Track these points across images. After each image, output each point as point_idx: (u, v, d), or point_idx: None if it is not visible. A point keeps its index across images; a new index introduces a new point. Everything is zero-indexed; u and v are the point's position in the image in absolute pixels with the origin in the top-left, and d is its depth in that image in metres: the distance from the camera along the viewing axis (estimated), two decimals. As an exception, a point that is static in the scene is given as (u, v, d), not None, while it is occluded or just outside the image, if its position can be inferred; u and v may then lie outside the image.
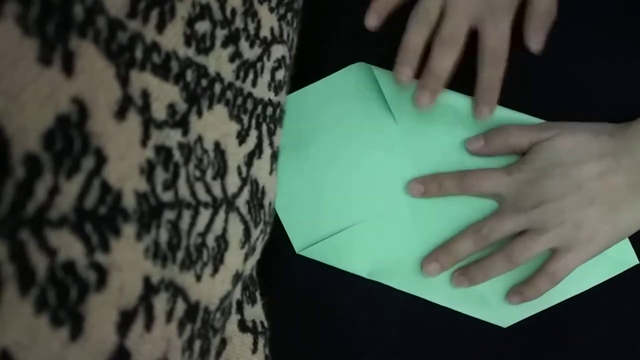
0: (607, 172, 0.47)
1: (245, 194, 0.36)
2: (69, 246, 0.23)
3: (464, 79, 0.50)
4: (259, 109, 0.38)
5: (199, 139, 0.32)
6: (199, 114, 0.32)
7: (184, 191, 0.30)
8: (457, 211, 0.53)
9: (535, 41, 0.48)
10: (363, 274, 0.53)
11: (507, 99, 0.50)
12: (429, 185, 0.52)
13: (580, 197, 0.47)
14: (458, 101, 0.52)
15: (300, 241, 0.53)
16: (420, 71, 0.49)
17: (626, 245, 0.51)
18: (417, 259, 0.53)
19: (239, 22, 0.35)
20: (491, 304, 0.52)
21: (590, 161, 0.47)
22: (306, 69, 0.50)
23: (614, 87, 0.54)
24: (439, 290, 0.52)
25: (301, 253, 0.53)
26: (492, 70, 0.49)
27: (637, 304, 0.52)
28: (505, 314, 0.52)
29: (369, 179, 0.54)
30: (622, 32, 0.54)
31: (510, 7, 0.48)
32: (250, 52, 0.36)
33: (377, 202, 0.54)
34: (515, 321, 0.52)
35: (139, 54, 0.27)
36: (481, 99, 0.50)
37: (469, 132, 0.53)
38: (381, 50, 0.52)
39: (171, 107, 0.29)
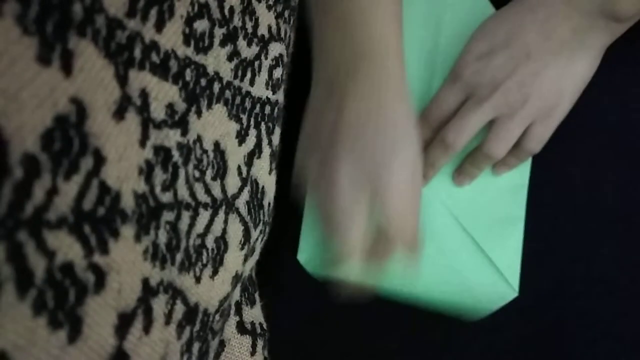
0: (548, 30, 0.46)
1: (245, 194, 0.36)
2: (67, 247, 0.23)
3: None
4: (258, 107, 0.38)
5: (199, 139, 0.32)
6: (198, 113, 0.32)
7: (183, 192, 0.30)
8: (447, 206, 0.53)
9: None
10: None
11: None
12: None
13: (532, 64, 0.46)
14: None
15: (306, 253, 0.53)
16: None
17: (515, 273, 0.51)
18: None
19: (237, 21, 0.35)
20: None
21: (527, 24, 0.46)
22: (304, 67, 0.50)
23: (615, 88, 0.54)
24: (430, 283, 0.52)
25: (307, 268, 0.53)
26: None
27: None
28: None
29: None
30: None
31: None
32: (248, 51, 0.36)
33: None
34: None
35: (137, 53, 0.27)
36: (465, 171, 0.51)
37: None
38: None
39: (170, 107, 0.29)
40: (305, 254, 0.53)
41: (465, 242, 0.52)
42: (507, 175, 0.52)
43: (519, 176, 0.53)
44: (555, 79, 0.46)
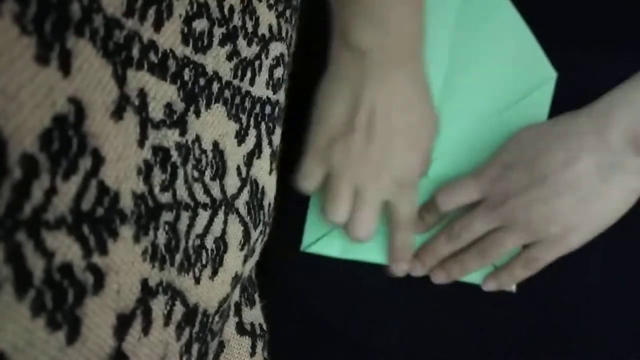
0: (572, 159, 0.46)
1: (245, 194, 0.36)
2: (66, 248, 0.22)
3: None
4: (258, 107, 0.38)
5: (197, 139, 0.31)
6: (197, 113, 0.31)
7: (182, 192, 0.30)
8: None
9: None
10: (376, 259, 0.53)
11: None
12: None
13: (546, 189, 0.46)
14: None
15: (310, 236, 0.54)
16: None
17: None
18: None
19: (236, 20, 0.35)
20: None
21: (554, 148, 0.46)
22: (305, 67, 0.50)
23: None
24: None
25: (308, 250, 0.53)
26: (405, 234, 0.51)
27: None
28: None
29: None
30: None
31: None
32: (248, 50, 0.36)
33: None
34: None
35: (136, 52, 0.27)
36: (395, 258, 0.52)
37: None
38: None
39: (168, 107, 0.29)
40: (312, 236, 0.54)
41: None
42: None
43: None
44: (565, 211, 0.46)
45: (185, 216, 0.30)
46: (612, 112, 0.45)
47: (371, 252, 0.53)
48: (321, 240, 0.53)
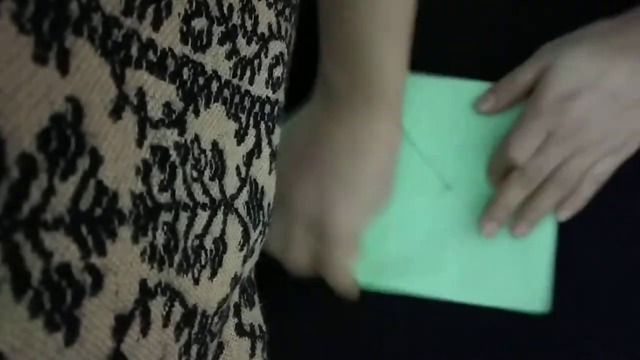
0: (637, 70, 0.46)
1: (244, 194, 0.36)
2: (64, 248, 0.22)
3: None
4: (257, 107, 0.38)
5: (196, 139, 0.31)
6: (196, 112, 0.31)
7: (181, 192, 0.30)
8: (467, 210, 0.53)
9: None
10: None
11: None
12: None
13: (617, 105, 0.46)
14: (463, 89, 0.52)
15: None
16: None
17: (544, 292, 0.51)
18: (431, 258, 0.53)
19: (236, 19, 0.35)
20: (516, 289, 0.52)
21: (618, 65, 0.46)
22: (305, 66, 0.50)
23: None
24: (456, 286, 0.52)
25: None
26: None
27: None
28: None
29: None
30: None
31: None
32: (247, 49, 0.36)
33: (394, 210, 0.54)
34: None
35: (134, 51, 0.27)
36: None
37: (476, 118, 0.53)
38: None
39: (167, 106, 0.29)
40: None
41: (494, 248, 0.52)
42: None
43: None
44: (634, 120, 0.47)
45: (184, 216, 0.30)
46: None
47: (388, 279, 0.53)
48: None
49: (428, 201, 0.53)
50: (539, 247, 0.51)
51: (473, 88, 0.52)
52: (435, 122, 0.52)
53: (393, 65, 0.44)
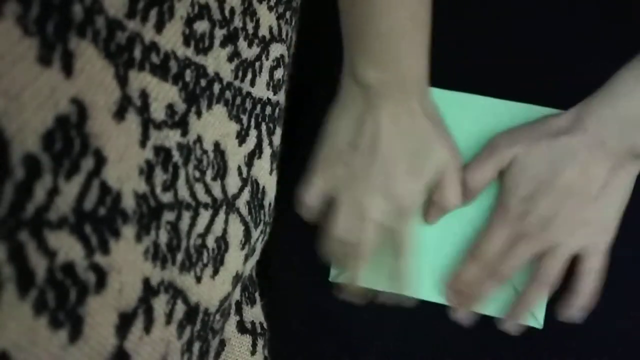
0: (588, 169, 0.47)
1: (246, 194, 0.36)
2: (68, 247, 0.23)
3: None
4: (258, 108, 0.38)
5: (199, 140, 0.32)
6: (198, 114, 0.32)
7: (183, 192, 0.30)
8: (477, 218, 0.53)
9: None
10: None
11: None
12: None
13: (576, 201, 0.48)
14: (484, 106, 0.52)
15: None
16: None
17: (541, 308, 0.52)
18: (443, 267, 0.53)
19: (237, 22, 0.35)
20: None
21: (568, 166, 0.48)
22: (305, 68, 0.50)
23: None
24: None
25: (336, 280, 0.53)
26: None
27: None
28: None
29: None
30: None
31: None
32: (248, 52, 0.36)
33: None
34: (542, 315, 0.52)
35: (137, 54, 0.27)
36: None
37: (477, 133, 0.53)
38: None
39: (170, 108, 0.29)
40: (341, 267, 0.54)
41: None
42: None
43: None
44: (598, 211, 0.49)
45: (186, 216, 0.30)
46: (603, 130, 0.47)
47: (399, 285, 0.53)
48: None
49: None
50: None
51: (488, 104, 0.52)
52: (461, 136, 0.52)
53: (421, 52, 0.46)
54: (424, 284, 0.53)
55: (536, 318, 0.52)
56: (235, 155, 0.35)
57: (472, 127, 0.54)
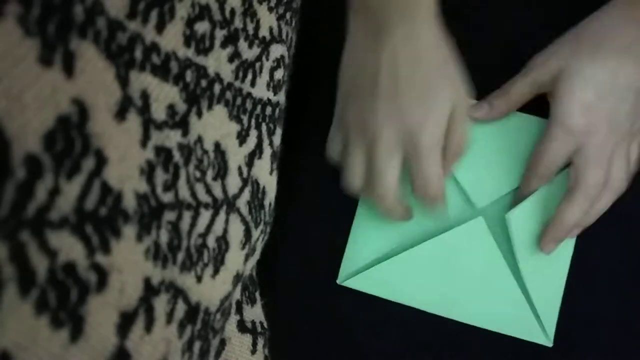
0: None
1: (246, 194, 0.36)
2: (69, 247, 0.23)
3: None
4: (258, 108, 0.38)
5: (199, 140, 0.32)
6: (199, 114, 0.32)
7: (184, 192, 0.30)
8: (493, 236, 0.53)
9: None
10: (410, 303, 0.53)
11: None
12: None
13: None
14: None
15: (346, 270, 0.54)
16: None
17: (552, 324, 0.52)
18: (455, 285, 0.53)
19: (238, 22, 0.35)
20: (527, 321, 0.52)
21: (628, 65, 0.47)
22: (305, 68, 0.50)
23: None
24: (481, 314, 0.53)
25: (344, 284, 0.53)
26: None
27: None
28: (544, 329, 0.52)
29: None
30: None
31: None
32: (249, 52, 0.36)
33: (419, 231, 0.54)
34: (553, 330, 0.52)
35: (138, 54, 0.27)
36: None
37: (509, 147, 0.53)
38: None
39: (171, 108, 0.29)
40: (349, 270, 0.54)
41: (508, 277, 0.53)
42: None
43: None
44: None
45: (187, 216, 0.30)
46: None
47: (408, 295, 0.53)
48: (358, 275, 0.53)
49: (453, 224, 0.53)
50: (552, 282, 0.51)
51: (507, 117, 0.52)
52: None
53: None
54: (430, 295, 0.53)
55: (547, 334, 0.52)
56: (236, 156, 0.35)
57: (484, 136, 0.53)
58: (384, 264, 0.52)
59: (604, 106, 0.47)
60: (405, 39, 0.45)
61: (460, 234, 0.52)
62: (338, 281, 0.53)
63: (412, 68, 0.45)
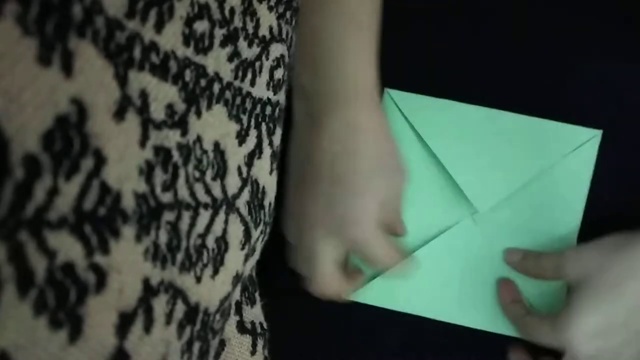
0: None
1: (246, 194, 0.36)
2: (68, 247, 0.23)
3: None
4: (258, 108, 0.38)
5: (198, 140, 0.32)
6: (198, 114, 0.32)
7: (183, 192, 0.30)
8: (494, 243, 0.53)
9: None
10: (411, 310, 0.53)
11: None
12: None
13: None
14: (497, 119, 0.52)
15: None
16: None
17: None
18: (457, 289, 0.53)
19: (237, 22, 0.35)
20: None
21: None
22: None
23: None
24: (483, 317, 0.52)
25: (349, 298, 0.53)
26: None
27: None
28: None
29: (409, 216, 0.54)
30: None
31: None
32: (248, 52, 0.36)
33: (417, 239, 0.54)
34: None
35: (137, 53, 0.27)
36: None
37: (506, 147, 0.53)
38: (381, 47, 0.52)
39: (170, 107, 0.29)
40: None
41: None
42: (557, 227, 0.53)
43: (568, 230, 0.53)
44: None
45: (186, 216, 0.30)
46: None
47: (408, 303, 0.53)
48: (363, 289, 0.53)
49: (454, 230, 0.53)
50: (551, 286, 0.52)
51: (501, 117, 0.52)
52: (465, 148, 0.52)
53: (368, 62, 0.44)
54: (423, 300, 0.53)
55: None
56: (235, 155, 0.35)
57: (453, 134, 0.53)
58: (384, 275, 0.52)
59: (614, 339, 0.45)
60: (346, 128, 0.45)
61: (452, 236, 0.53)
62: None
63: (348, 159, 0.46)
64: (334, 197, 0.46)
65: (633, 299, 0.44)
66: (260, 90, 0.38)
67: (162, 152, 0.29)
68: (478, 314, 0.52)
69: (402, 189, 0.49)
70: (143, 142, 0.27)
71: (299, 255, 0.49)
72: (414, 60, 0.53)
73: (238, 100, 0.35)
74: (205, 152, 0.32)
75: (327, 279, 0.48)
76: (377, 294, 0.53)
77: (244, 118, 0.36)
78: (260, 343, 0.41)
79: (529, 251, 0.51)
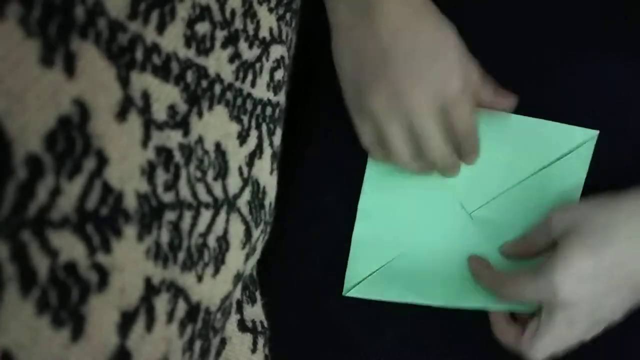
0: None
1: (247, 194, 0.36)
2: (70, 247, 0.23)
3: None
4: (259, 109, 0.38)
5: (200, 140, 0.32)
6: (200, 114, 0.32)
7: (185, 192, 0.30)
8: (491, 227, 0.53)
9: None
10: (412, 300, 0.53)
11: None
12: None
13: (635, 295, 0.46)
14: (494, 120, 0.52)
15: (351, 281, 0.54)
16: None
17: None
18: (453, 273, 0.53)
19: (238, 23, 0.35)
20: None
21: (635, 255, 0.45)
22: (305, 68, 0.50)
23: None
24: (478, 296, 0.52)
25: (349, 294, 0.53)
26: None
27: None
28: None
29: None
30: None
31: None
32: (249, 53, 0.37)
33: (419, 231, 0.54)
34: None
35: (139, 55, 0.27)
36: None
37: (506, 150, 0.53)
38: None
39: (171, 108, 0.30)
40: (353, 280, 0.54)
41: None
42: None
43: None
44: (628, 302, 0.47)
45: (188, 215, 0.30)
46: None
47: (412, 294, 0.53)
48: (362, 283, 0.53)
49: (449, 228, 0.53)
50: None
51: (496, 117, 0.52)
52: None
53: None
54: (433, 289, 0.53)
55: None
56: (236, 156, 0.35)
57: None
58: (385, 267, 0.52)
59: (596, 287, 0.45)
60: (401, 6, 0.44)
61: (448, 234, 0.53)
62: (343, 293, 0.53)
63: (413, 30, 0.44)
64: (417, 72, 0.45)
65: (620, 244, 0.45)
66: (261, 91, 0.38)
67: (164, 153, 0.29)
68: (481, 294, 0.52)
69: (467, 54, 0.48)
70: (145, 143, 0.27)
71: (404, 152, 0.47)
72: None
73: (239, 101, 0.36)
74: (206, 152, 0.32)
75: (447, 153, 0.48)
76: (379, 288, 0.53)
77: (245, 119, 0.36)
78: (260, 341, 0.41)
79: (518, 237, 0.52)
